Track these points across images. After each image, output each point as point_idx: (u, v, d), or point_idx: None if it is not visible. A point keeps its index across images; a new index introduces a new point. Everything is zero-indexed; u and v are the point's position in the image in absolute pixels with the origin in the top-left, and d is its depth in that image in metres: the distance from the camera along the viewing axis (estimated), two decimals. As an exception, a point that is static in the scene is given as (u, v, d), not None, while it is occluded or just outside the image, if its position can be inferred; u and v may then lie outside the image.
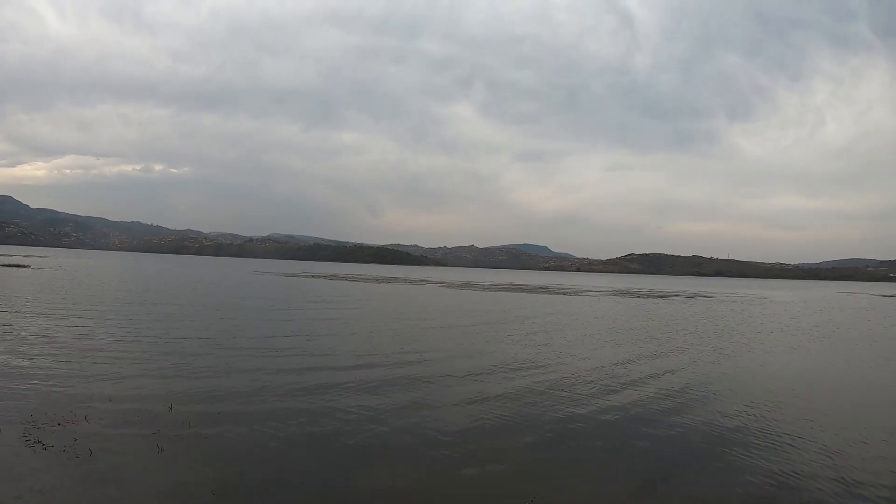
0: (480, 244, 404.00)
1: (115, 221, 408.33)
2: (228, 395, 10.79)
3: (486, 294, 52.68)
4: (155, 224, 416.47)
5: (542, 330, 23.99)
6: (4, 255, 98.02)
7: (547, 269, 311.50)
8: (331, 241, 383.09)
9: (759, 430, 9.89)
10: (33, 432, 8.13)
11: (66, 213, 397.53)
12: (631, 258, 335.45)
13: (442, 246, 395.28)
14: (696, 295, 64.14)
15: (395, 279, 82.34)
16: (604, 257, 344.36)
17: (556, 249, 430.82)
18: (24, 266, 62.00)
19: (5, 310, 21.94)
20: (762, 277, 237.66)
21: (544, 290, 65.53)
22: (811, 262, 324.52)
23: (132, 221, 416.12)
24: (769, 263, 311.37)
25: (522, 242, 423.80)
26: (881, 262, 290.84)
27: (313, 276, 78.98)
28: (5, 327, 17.65)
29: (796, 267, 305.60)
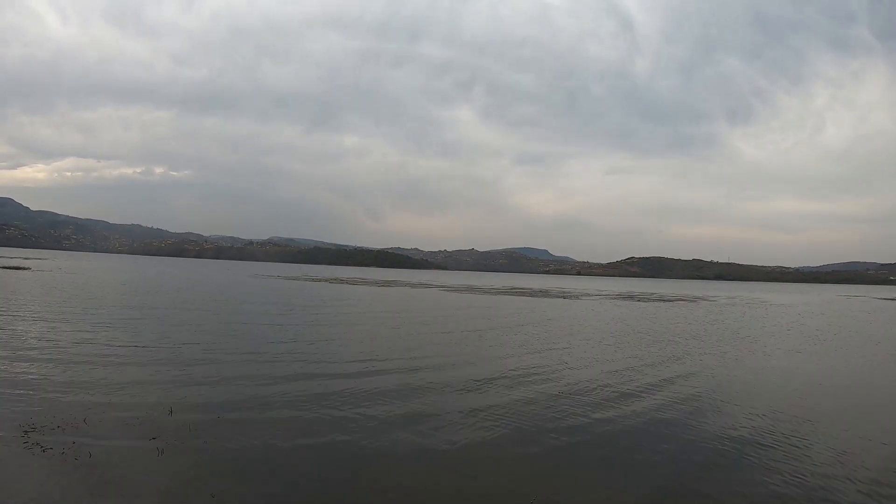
0: (481, 248, 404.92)
1: (115, 224, 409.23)
2: (228, 399, 10.74)
3: (487, 298, 52.63)
4: (155, 227, 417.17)
5: (545, 334, 23.93)
6: (5, 257, 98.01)
7: (547, 272, 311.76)
8: (331, 244, 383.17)
9: (765, 433, 9.85)
10: (32, 435, 8.08)
11: (67, 216, 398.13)
12: (631, 262, 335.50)
13: (442, 249, 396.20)
14: (697, 298, 64.04)
15: (395, 283, 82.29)
16: (604, 261, 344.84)
17: (556, 253, 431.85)
18: (24, 268, 61.99)
19: (5, 312, 21.89)
20: (762, 281, 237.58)
21: (545, 293, 65.48)
22: (811, 265, 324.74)
23: (132, 224, 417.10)
24: (769, 267, 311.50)
25: (523, 246, 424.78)
26: (881, 265, 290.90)
27: (314, 280, 78.94)
28: (5, 329, 17.60)
29: (797, 270, 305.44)
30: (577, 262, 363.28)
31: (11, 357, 13.44)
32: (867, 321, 38.47)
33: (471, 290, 67.45)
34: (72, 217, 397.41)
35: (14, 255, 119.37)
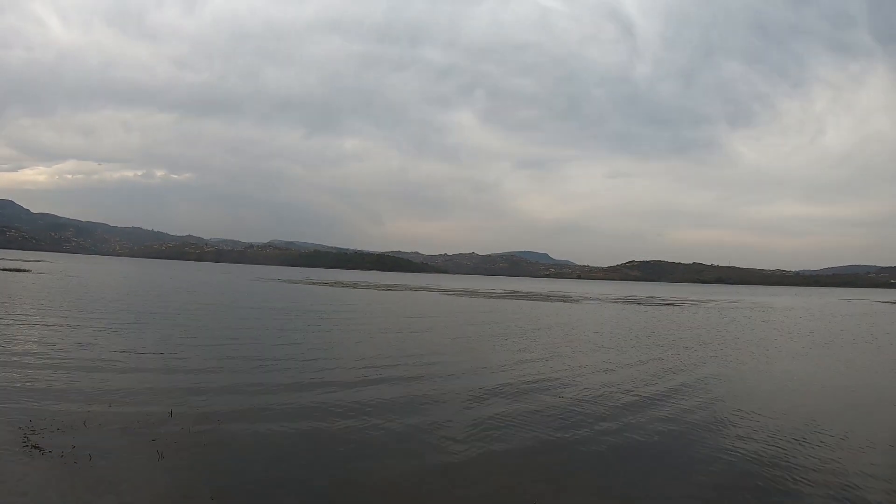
0: (481, 251, 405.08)
1: (115, 227, 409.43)
2: (228, 402, 10.71)
3: (489, 302, 52.61)
4: (156, 230, 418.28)
5: (547, 338, 23.89)
6: (5, 259, 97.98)
7: (548, 276, 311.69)
8: (331, 248, 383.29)
9: (769, 435, 9.86)
10: (32, 438, 8.04)
11: (67, 218, 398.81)
12: (632, 265, 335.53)
13: (442, 253, 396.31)
14: (698, 302, 63.98)
15: (396, 287, 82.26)
16: (604, 265, 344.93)
17: (556, 257, 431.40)
18: (24, 271, 61.99)
19: (5, 314, 21.86)
20: (763, 284, 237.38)
21: (546, 297, 65.43)
22: (812, 268, 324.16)
23: (133, 227, 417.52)
24: (770, 270, 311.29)
25: (523, 250, 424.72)
26: (882, 268, 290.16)
27: (314, 283, 78.92)
28: (5, 331, 17.57)
29: (797, 274, 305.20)
30: (578, 265, 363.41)
31: (11, 359, 13.39)
32: (868, 324, 38.40)
33: (472, 294, 67.43)
34: (72, 219, 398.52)
35: (14, 257, 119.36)
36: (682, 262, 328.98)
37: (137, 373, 12.83)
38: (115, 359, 14.21)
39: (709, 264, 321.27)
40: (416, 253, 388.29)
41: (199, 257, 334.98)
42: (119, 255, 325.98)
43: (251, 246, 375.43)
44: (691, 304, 58.06)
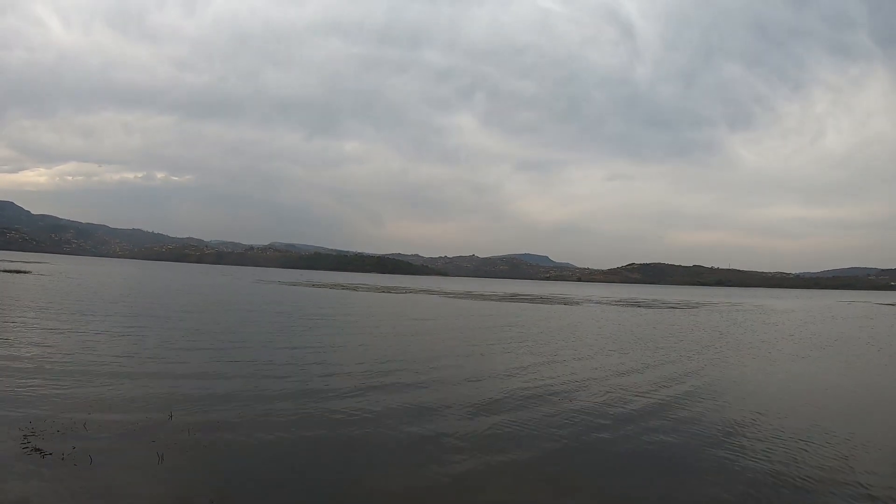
0: (481, 254, 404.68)
1: (116, 229, 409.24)
2: (229, 404, 10.69)
3: (489, 305, 52.59)
4: (156, 232, 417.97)
5: (549, 342, 23.86)
6: (5, 260, 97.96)
7: (548, 278, 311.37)
8: (332, 250, 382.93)
9: (773, 436, 9.88)
10: (32, 440, 8.03)
11: (68, 220, 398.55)
12: (632, 268, 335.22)
13: (443, 255, 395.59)
14: (699, 305, 63.96)
15: (396, 289, 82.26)
16: (605, 267, 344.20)
17: (556, 259, 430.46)
18: (25, 272, 61.97)
19: (6, 316, 21.85)
20: (763, 287, 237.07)
21: (546, 300, 65.40)
22: (812, 271, 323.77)
23: (133, 229, 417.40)
24: (770, 273, 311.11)
25: (523, 252, 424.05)
26: (882, 270, 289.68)
27: (314, 286, 78.90)
28: (5, 333, 17.56)
29: (797, 276, 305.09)
30: (578, 268, 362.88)
31: (12, 361, 13.37)
32: (869, 326, 38.38)
33: (472, 296, 67.40)
34: (73, 221, 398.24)
35: (15, 258, 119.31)
36: (683, 265, 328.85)
37: (137, 375, 12.81)
38: (116, 361, 14.19)
39: (709, 267, 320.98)
40: (417, 255, 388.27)
41: (200, 259, 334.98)
42: (119, 256, 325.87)
43: (251, 248, 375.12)
44: (692, 307, 58.03)
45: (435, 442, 9.07)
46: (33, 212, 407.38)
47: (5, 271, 61.02)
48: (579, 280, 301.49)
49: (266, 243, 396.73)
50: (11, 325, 19.71)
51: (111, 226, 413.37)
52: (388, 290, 75.86)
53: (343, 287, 76.76)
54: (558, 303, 57.51)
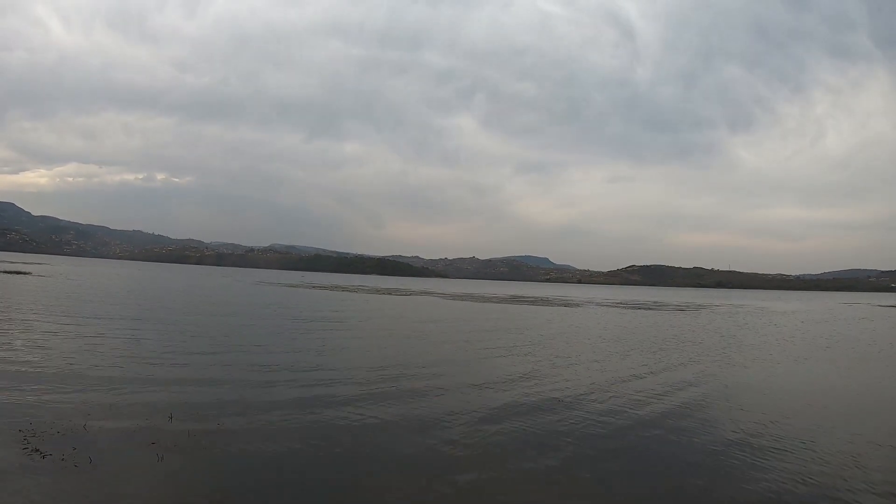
0: (481, 256, 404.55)
1: (116, 230, 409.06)
2: (229, 406, 10.66)
3: (490, 307, 52.57)
4: (156, 233, 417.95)
5: (550, 344, 23.82)
6: (6, 261, 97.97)
7: (548, 280, 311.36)
8: (332, 251, 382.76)
9: (775, 437, 9.86)
10: (32, 441, 8.00)
11: (68, 221, 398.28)
12: (632, 270, 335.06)
13: (443, 257, 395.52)
14: (699, 306, 63.92)
15: (396, 291, 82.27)
16: (605, 269, 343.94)
17: (557, 261, 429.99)
18: (25, 273, 61.98)
19: (6, 317, 21.81)
20: (763, 288, 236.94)
21: (547, 302, 65.37)
22: (812, 272, 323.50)
23: (133, 230, 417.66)
24: (770, 274, 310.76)
25: (523, 254, 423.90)
26: (882, 272, 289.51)
27: (315, 288, 78.89)
28: (6, 335, 17.52)
29: (797, 278, 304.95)
30: (578, 270, 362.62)
31: (12, 362, 13.35)
32: (870, 328, 38.34)
33: (473, 298, 67.38)
34: (73, 222, 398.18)
35: (15, 259, 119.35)
36: (683, 267, 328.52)
37: (137, 376, 12.77)
38: (116, 363, 14.17)
39: (709, 268, 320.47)
40: (417, 257, 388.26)
41: (200, 261, 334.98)
42: (119, 258, 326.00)
43: (252, 249, 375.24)
44: (693, 309, 57.99)
45: (436, 449, 8.98)
46: (34, 213, 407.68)
47: (5, 272, 61.01)
48: (579, 282, 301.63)
49: (266, 245, 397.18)
50: (11, 326, 19.68)
51: (111, 227, 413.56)
52: (388, 292, 75.85)
53: (343, 289, 76.75)
54: (559, 305, 57.47)
